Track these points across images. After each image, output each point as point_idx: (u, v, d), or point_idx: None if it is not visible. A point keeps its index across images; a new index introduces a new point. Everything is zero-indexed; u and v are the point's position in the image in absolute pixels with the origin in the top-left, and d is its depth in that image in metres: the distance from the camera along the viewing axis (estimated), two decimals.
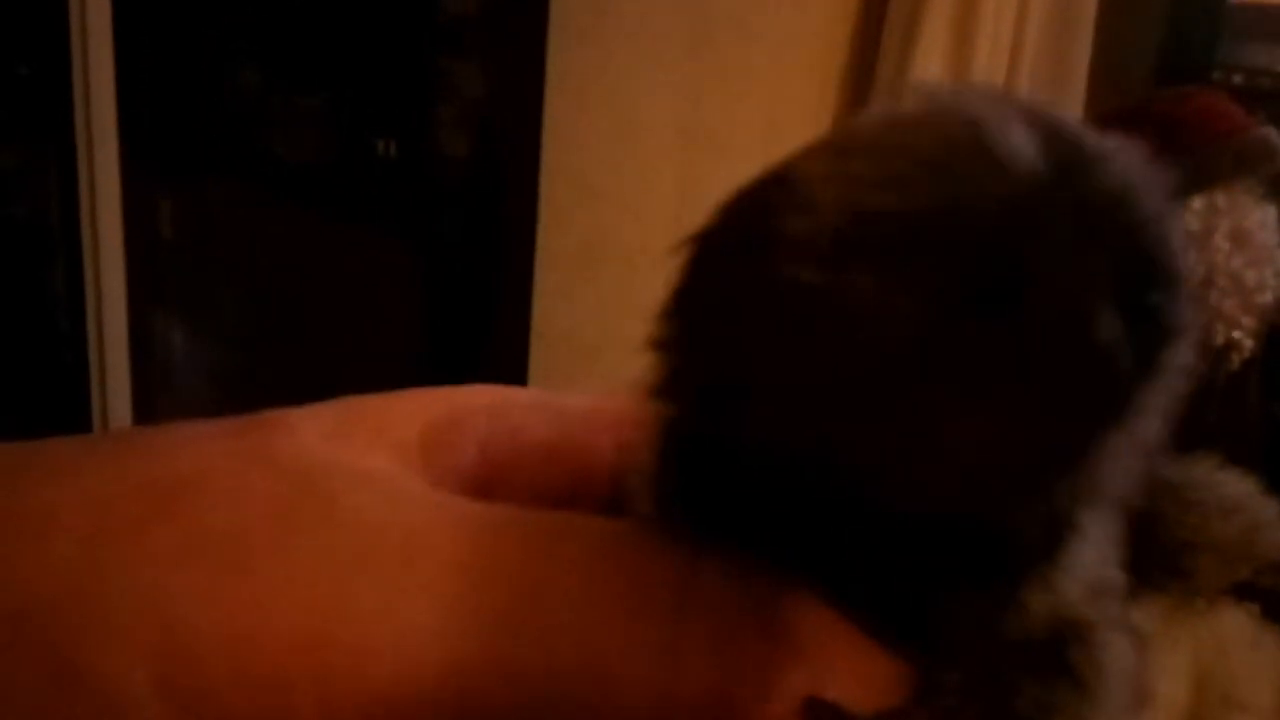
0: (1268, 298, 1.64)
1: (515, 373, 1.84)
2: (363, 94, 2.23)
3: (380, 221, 2.23)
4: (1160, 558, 0.25)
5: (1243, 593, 0.24)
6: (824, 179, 0.21)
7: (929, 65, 1.76)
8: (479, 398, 0.31)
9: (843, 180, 0.21)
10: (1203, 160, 1.64)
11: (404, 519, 0.25)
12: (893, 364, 0.20)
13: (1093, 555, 0.24)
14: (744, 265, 0.22)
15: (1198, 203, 1.61)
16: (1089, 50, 1.92)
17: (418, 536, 0.25)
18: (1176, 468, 0.29)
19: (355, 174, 2.26)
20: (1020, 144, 0.21)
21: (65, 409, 1.49)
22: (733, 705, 0.24)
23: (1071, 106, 1.91)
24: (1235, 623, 0.23)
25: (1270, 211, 1.65)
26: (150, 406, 1.63)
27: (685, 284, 0.24)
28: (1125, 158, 0.22)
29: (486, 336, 1.95)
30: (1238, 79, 1.94)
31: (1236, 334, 1.65)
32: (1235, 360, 1.67)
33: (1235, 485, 0.29)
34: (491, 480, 0.29)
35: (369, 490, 0.26)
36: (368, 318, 2.25)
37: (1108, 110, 1.87)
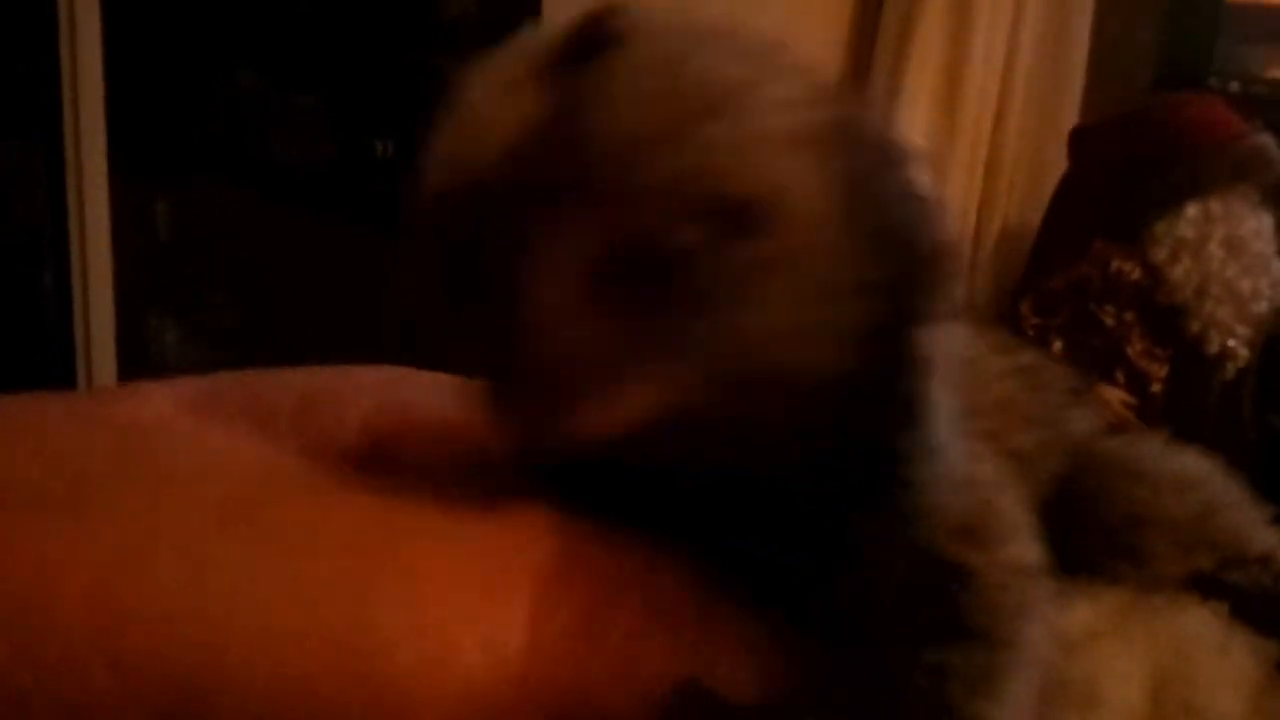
0: (1263, 307, 1.63)
1: None
2: (360, 95, 2.22)
3: (378, 222, 2.23)
4: (1107, 538, 0.24)
5: (1209, 589, 0.22)
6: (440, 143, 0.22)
7: (923, 70, 1.75)
8: (368, 375, 0.30)
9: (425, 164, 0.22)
10: (1199, 167, 1.63)
11: (227, 484, 0.24)
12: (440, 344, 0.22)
13: (951, 502, 0.23)
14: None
15: (1193, 210, 1.60)
16: (1085, 55, 1.92)
17: (237, 503, 0.24)
18: (1123, 441, 0.28)
19: (353, 174, 2.26)
20: (513, 115, 0.20)
21: None
22: (589, 688, 0.22)
23: (1068, 112, 1.90)
24: (1199, 623, 0.21)
25: (1266, 220, 1.64)
26: None
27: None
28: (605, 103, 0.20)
29: None
30: (1235, 86, 1.94)
31: (1231, 343, 1.64)
32: (1230, 369, 1.66)
33: (1191, 461, 0.27)
34: (374, 455, 0.27)
35: (198, 454, 0.25)
36: (364, 318, 2.24)
37: (1105, 116, 1.87)
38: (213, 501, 0.23)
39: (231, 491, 0.24)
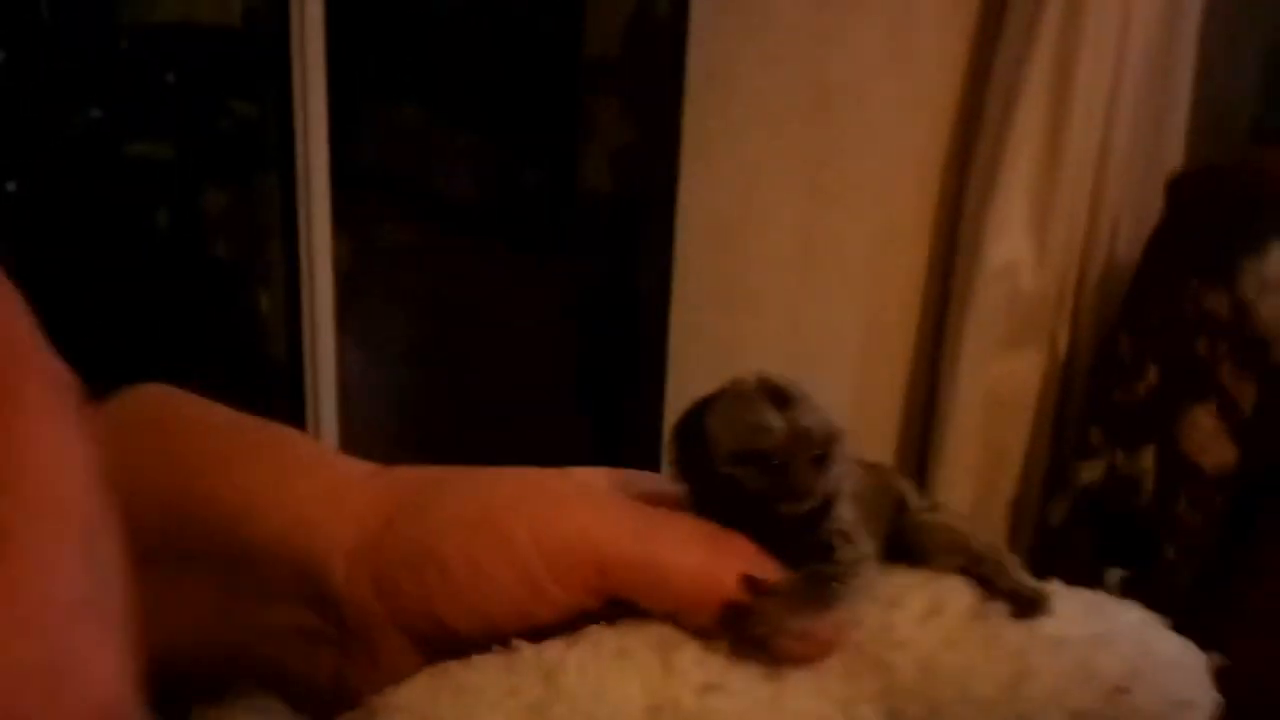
0: None
1: (654, 397, 2.03)
2: (513, 130, 2.39)
3: (531, 247, 2.40)
4: (907, 552, 0.51)
5: (968, 574, 0.48)
6: (719, 431, 0.47)
7: (1029, 125, 1.92)
8: (618, 474, 0.52)
9: (724, 434, 0.46)
10: None
11: (596, 493, 0.48)
12: (747, 490, 0.46)
13: (842, 521, 0.48)
14: (691, 456, 0.48)
15: (1277, 250, 1.75)
16: (1187, 106, 2.05)
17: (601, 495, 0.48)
18: (931, 512, 0.52)
19: (508, 205, 2.45)
20: (775, 421, 0.45)
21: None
22: (720, 578, 0.45)
23: (1169, 159, 2.05)
24: (959, 587, 0.48)
25: None
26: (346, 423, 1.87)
27: (673, 450, 0.49)
28: (807, 416, 0.46)
29: (628, 369, 2.13)
30: None
31: None
32: None
33: (956, 519, 0.52)
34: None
35: (592, 478, 0.50)
36: (522, 344, 2.43)
37: (1205, 164, 2.02)
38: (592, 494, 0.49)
39: (596, 495, 0.49)
